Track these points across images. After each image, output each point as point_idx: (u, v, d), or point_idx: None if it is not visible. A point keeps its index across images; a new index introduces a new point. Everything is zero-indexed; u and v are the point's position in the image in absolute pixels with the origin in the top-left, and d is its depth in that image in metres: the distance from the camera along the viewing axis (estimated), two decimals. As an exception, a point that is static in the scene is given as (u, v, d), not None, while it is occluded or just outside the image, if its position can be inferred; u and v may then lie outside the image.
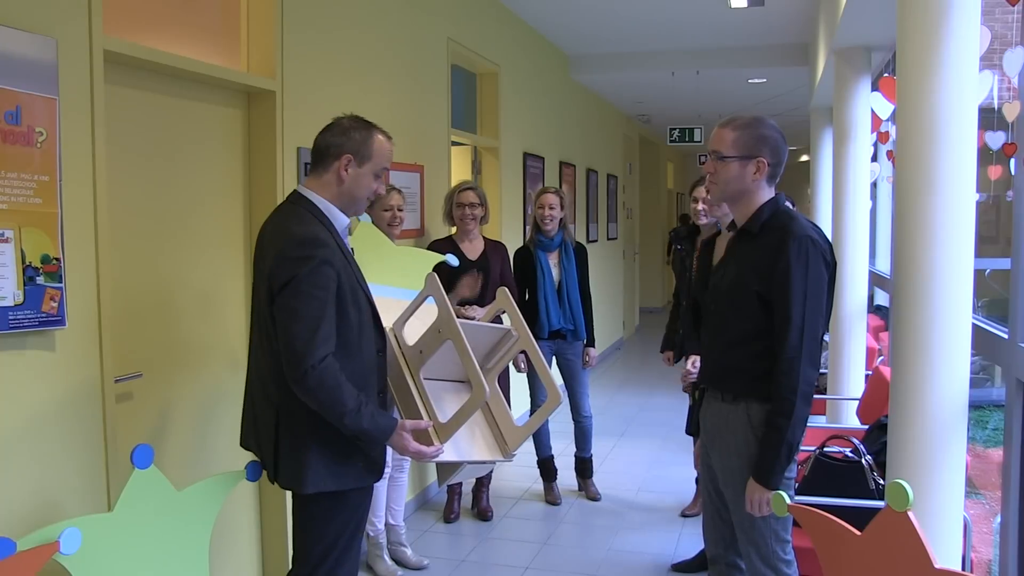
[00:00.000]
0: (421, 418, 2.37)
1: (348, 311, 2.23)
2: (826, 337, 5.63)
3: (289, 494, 2.47)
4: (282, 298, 2.17)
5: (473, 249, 4.26)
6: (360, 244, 2.85)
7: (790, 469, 2.39)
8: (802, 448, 3.56)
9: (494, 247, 4.34)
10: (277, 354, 2.20)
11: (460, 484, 4.53)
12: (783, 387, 2.28)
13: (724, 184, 2.41)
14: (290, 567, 2.44)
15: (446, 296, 2.42)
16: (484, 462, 2.55)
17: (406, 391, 2.44)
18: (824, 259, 2.33)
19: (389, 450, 3.71)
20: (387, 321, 2.48)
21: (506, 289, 2.62)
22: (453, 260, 3.13)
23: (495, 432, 2.60)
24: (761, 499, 2.34)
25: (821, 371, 5.58)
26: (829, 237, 4.81)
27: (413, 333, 2.49)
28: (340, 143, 2.32)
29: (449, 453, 2.37)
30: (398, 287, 2.76)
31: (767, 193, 2.41)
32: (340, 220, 2.33)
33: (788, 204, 2.48)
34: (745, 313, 2.36)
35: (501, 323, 2.73)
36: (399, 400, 2.47)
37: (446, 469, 2.49)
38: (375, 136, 2.35)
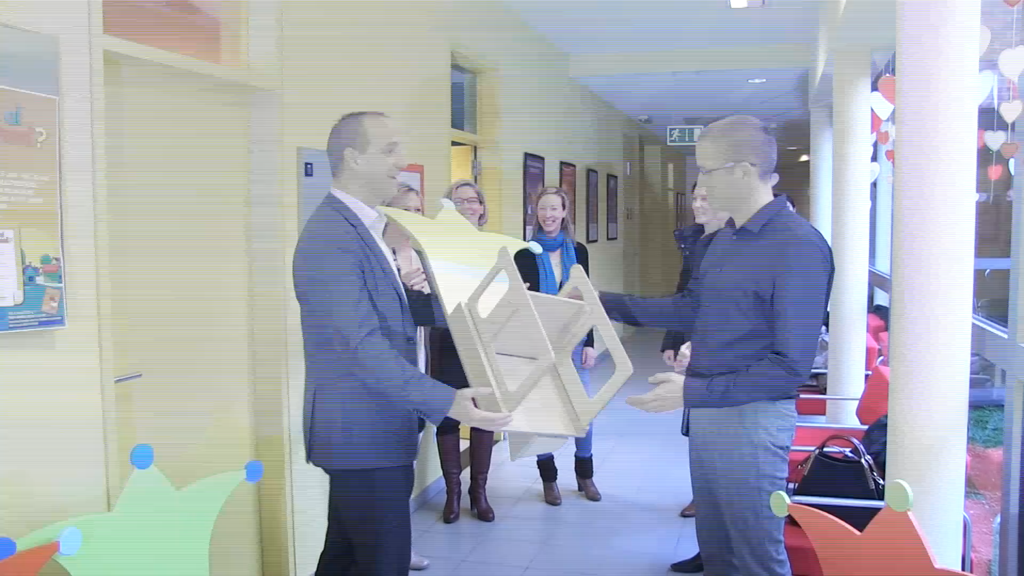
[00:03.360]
0: (493, 391, 2.35)
1: (375, 303, 2.36)
2: (825, 337, 5.64)
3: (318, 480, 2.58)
4: (314, 291, 2.35)
5: None
6: (444, 223, 2.83)
7: (780, 469, 2.42)
8: (802, 448, 3.58)
9: None
10: (312, 334, 2.40)
11: (459, 484, 4.53)
12: (771, 373, 2.32)
13: (718, 194, 2.43)
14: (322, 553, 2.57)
15: (517, 270, 2.39)
16: (557, 436, 2.55)
17: (478, 366, 2.42)
18: (824, 262, 2.33)
19: None
20: (462, 297, 2.49)
21: (579, 266, 2.59)
22: (536, 247, 3.10)
23: (567, 407, 2.58)
24: (668, 401, 2.39)
25: (821, 371, 5.59)
26: (828, 238, 4.80)
27: (485, 309, 2.46)
28: (338, 141, 2.47)
29: (520, 422, 2.36)
30: (478, 268, 2.70)
31: (765, 190, 2.41)
32: (367, 215, 2.46)
33: (789, 206, 2.48)
34: (743, 312, 2.36)
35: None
36: (472, 375, 2.45)
37: (518, 442, 2.48)
38: (366, 120, 2.45)
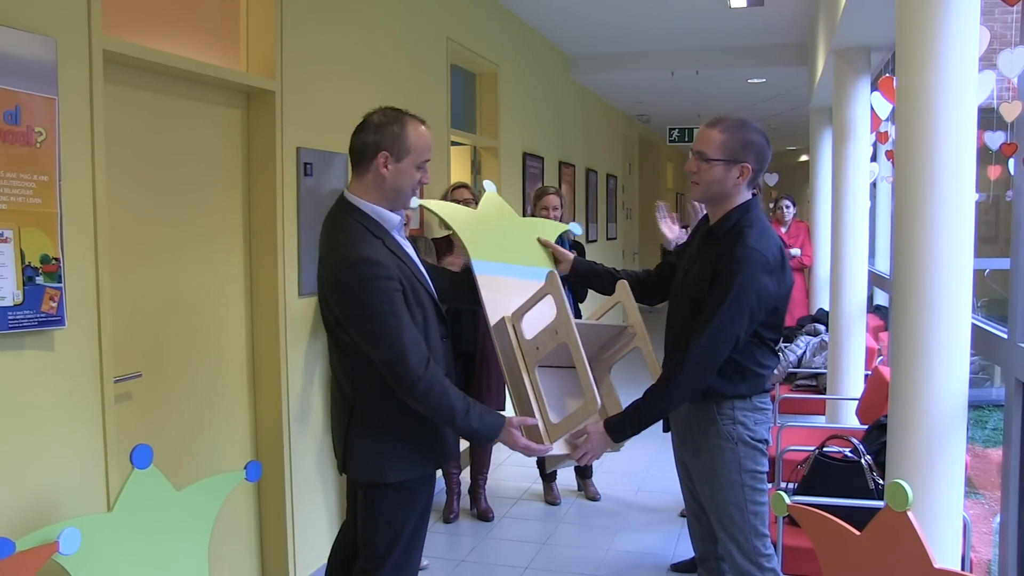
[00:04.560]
0: (532, 412, 2.41)
1: (413, 312, 2.26)
2: (825, 337, 5.64)
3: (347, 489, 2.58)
4: (357, 326, 2.22)
5: None
6: (486, 215, 2.82)
7: (761, 462, 2.44)
8: (802, 448, 3.58)
9: None
10: (347, 351, 2.29)
11: (459, 484, 4.53)
12: (672, 376, 2.34)
13: (707, 186, 2.42)
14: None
15: (564, 296, 2.41)
16: None
17: (520, 384, 2.45)
18: (767, 273, 2.31)
19: None
20: (508, 307, 2.51)
21: (625, 282, 2.59)
22: (577, 228, 3.10)
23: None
24: (599, 448, 2.40)
25: (821, 371, 5.59)
26: (828, 238, 4.78)
27: (531, 327, 2.49)
28: (376, 141, 2.26)
29: (559, 449, 2.43)
30: (520, 264, 2.74)
31: (744, 197, 2.42)
32: (389, 220, 2.32)
33: (760, 213, 2.46)
34: (700, 312, 2.37)
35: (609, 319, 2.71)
36: (513, 391, 2.49)
37: (555, 459, 2.51)
38: (409, 127, 2.27)
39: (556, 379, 2.55)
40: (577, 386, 2.40)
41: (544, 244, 2.84)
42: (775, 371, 2.48)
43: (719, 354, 2.33)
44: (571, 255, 2.84)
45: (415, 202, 2.73)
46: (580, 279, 2.87)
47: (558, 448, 2.43)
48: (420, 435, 2.35)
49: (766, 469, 2.48)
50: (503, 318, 2.50)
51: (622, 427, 2.41)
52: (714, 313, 2.29)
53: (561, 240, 4.62)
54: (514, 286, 2.63)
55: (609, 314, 2.72)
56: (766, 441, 2.47)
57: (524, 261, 2.77)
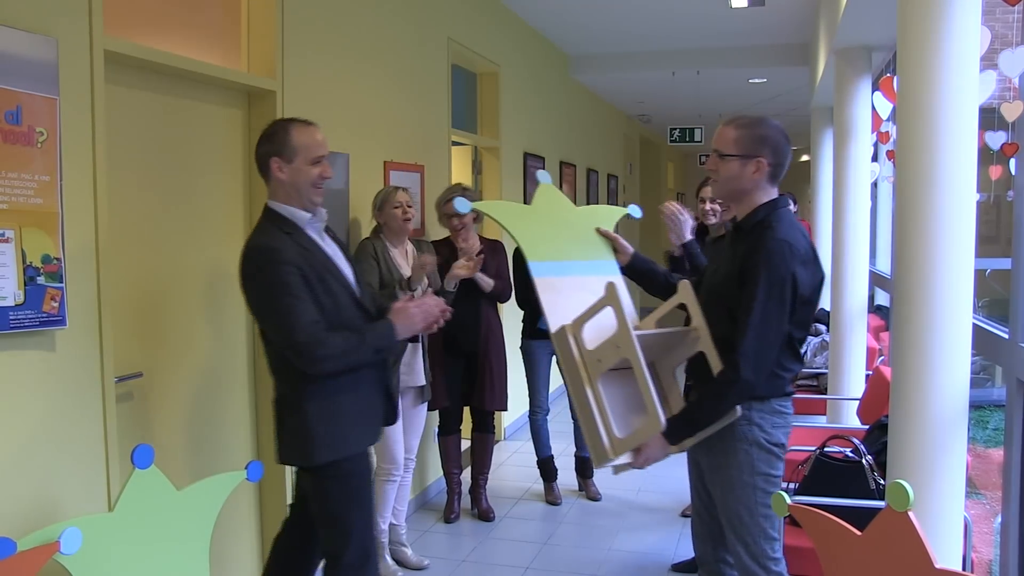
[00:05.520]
0: (595, 423, 2.40)
1: (320, 299, 2.40)
2: (826, 337, 5.64)
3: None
4: (256, 309, 2.43)
5: (470, 251, 4.25)
6: (540, 210, 2.77)
7: (776, 466, 2.42)
8: (803, 448, 3.58)
9: (491, 246, 4.35)
10: (269, 343, 2.47)
11: (460, 484, 4.53)
12: (726, 378, 2.32)
13: (724, 182, 2.43)
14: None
15: (623, 308, 2.36)
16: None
17: (582, 395, 2.42)
18: (800, 264, 2.30)
19: (398, 451, 3.74)
20: (568, 311, 2.48)
21: (687, 283, 2.52)
22: (636, 211, 3.05)
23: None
24: (658, 453, 2.40)
25: (822, 371, 5.59)
26: (829, 237, 4.77)
27: (595, 331, 2.44)
28: (267, 150, 2.47)
29: (625, 457, 2.43)
30: (579, 259, 2.70)
31: (768, 193, 2.41)
32: (300, 217, 2.49)
33: (790, 206, 2.47)
34: (730, 309, 2.36)
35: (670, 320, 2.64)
36: (575, 399, 2.46)
37: (617, 466, 2.49)
38: (293, 130, 2.47)
39: (621, 386, 2.49)
40: (641, 398, 2.35)
41: (603, 234, 2.78)
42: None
43: (768, 349, 2.30)
44: (631, 249, 2.78)
45: (467, 206, 2.75)
46: (634, 275, 2.82)
47: (625, 458, 2.43)
48: (340, 418, 2.46)
49: (780, 473, 2.44)
50: (563, 327, 2.45)
51: (677, 431, 2.39)
52: (751, 310, 2.27)
53: None
54: (574, 285, 2.58)
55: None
56: (782, 445, 2.44)
57: (583, 256, 2.71)
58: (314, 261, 2.42)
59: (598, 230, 2.78)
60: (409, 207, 3.78)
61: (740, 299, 2.32)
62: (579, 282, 2.60)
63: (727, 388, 2.32)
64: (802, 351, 2.53)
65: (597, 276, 2.52)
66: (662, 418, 2.26)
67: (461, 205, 2.77)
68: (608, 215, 2.88)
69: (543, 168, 7.18)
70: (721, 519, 2.49)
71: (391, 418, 2.69)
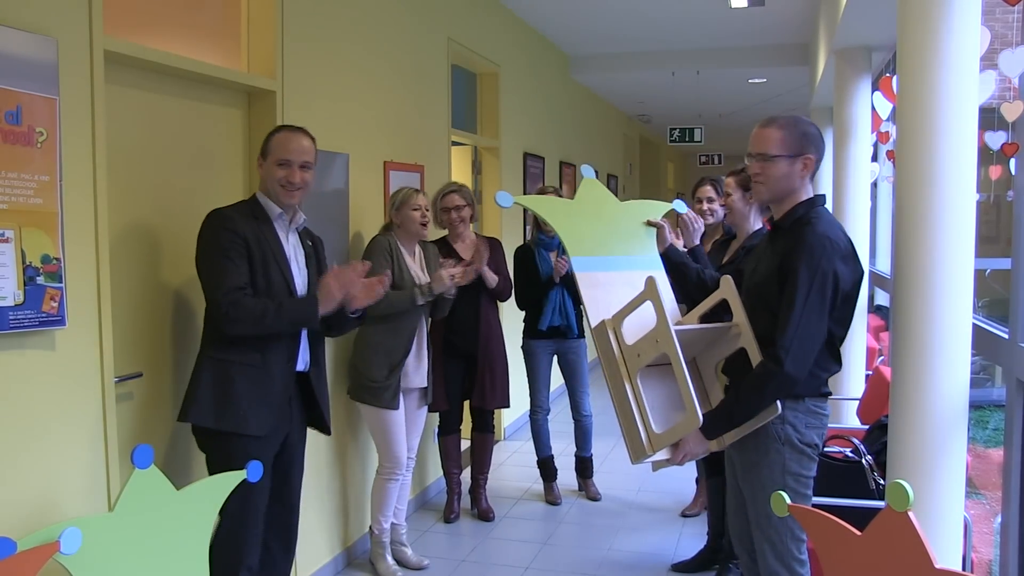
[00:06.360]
0: (634, 418, 2.40)
1: (256, 277, 2.62)
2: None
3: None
4: (198, 267, 2.64)
5: (466, 249, 4.26)
6: (584, 205, 2.76)
7: (808, 467, 2.41)
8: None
9: (490, 244, 4.35)
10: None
11: (460, 484, 4.53)
12: (766, 372, 2.31)
13: (774, 183, 2.41)
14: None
15: (663, 303, 2.35)
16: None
17: (621, 390, 2.42)
18: (840, 259, 2.31)
19: (401, 451, 3.73)
20: (610, 306, 2.47)
21: (730, 278, 2.52)
22: (681, 206, 3.05)
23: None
24: (696, 448, 2.42)
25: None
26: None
27: (634, 325, 2.44)
28: (260, 148, 2.80)
29: (663, 454, 2.44)
30: (623, 254, 2.70)
31: (807, 191, 2.43)
32: (271, 209, 2.74)
33: (826, 209, 2.46)
34: (771, 307, 2.36)
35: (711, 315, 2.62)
36: (614, 393, 2.45)
37: (656, 462, 2.50)
38: (276, 134, 2.78)
39: (661, 382, 2.49)
40: (680, 396, 2.34)
41: (651, 224, 2.80)
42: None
43: (810, 343, 2.29)
44: (670, 240, 2.81)
45: (510, 200, 2.77)
46: (669, 266, 2.80)
47: (663, 453, 2.42)
48: (229, 389, 2.60)
49: (812, 474, 2.43)
50: (603, 321, 2.45)
51: (715, 425, 2.40)
52: (793, 304, 2.27)
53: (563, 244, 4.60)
54: (617, 281, 2.58)
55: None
56: (816, 446, 2.42)
57: (626, 251, 2.71)
58: (264, 245, 2.65)
59: (648, 222, 2.80)
60: (428, 210, 3.80)
61: (781, 296, 2.32)
62: (623, 277, 2.60)
63: (766, 380, 2.31)
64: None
65: (640, 271, 2.52)
66: (700, 413, 2.25)
67: (503, 199, 2.78)
68: (654, 210, 2.89)
69: (543, 167, 7.18)
70: (750, 516, 2.49)
71: (316, 422, 2.90)
